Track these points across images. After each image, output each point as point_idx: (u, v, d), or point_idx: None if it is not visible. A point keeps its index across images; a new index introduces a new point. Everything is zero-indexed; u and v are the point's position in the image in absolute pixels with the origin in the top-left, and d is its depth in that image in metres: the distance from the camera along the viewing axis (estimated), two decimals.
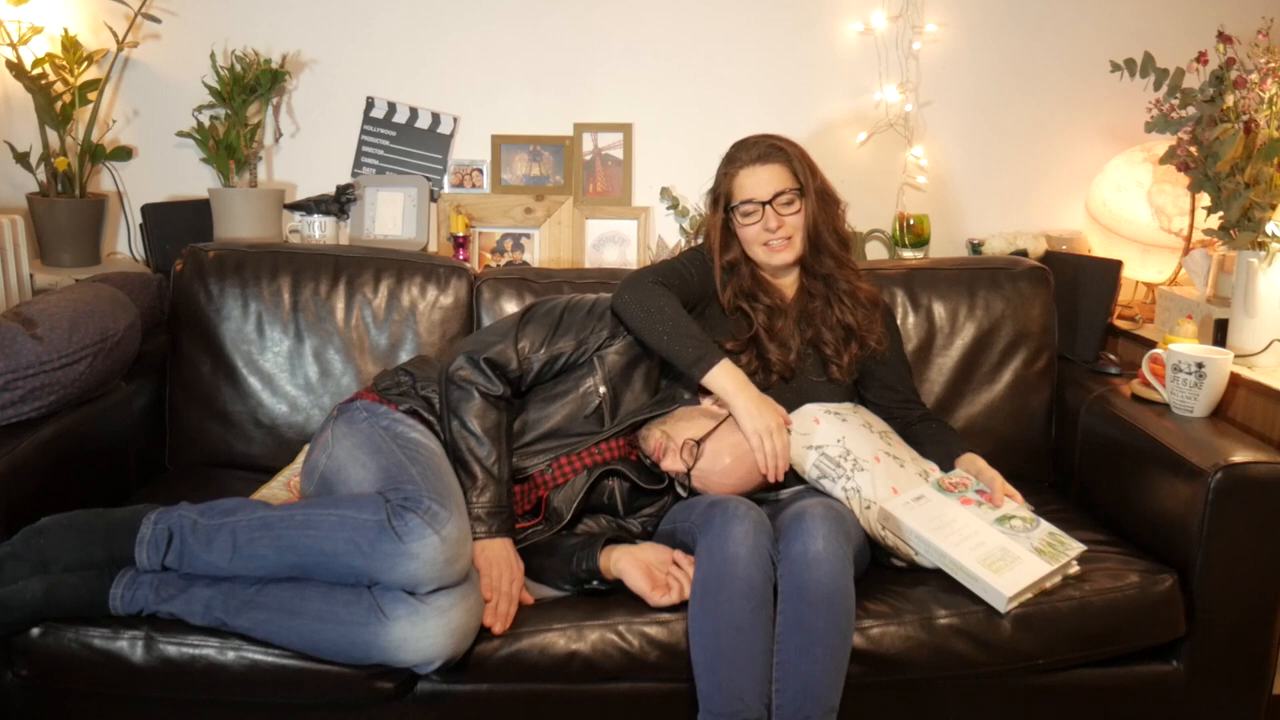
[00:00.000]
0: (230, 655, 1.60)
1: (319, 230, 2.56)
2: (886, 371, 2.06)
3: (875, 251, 2.73)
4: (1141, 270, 2.56)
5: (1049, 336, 2.32)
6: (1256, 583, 1.78)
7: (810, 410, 1.91)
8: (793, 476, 1.88)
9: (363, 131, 2.69)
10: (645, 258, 2.70)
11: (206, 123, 2.57)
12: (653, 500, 1.90)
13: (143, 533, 1.64)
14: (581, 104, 2.71)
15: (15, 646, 1.61)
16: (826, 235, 1.98)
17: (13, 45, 2.43)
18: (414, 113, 2.69)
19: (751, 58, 2.70)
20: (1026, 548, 1.74)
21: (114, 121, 2.64)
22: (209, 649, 1.60)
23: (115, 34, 2.53)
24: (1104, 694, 1.78)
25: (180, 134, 2.59)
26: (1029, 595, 1.71)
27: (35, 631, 1.60)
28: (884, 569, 1.84)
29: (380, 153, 2.70)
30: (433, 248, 2.68)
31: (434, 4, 2.65)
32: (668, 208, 2.73)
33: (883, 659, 1.67)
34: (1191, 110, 2.15)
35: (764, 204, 1.93)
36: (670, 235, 2.72)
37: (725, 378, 1.82)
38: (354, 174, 2.70)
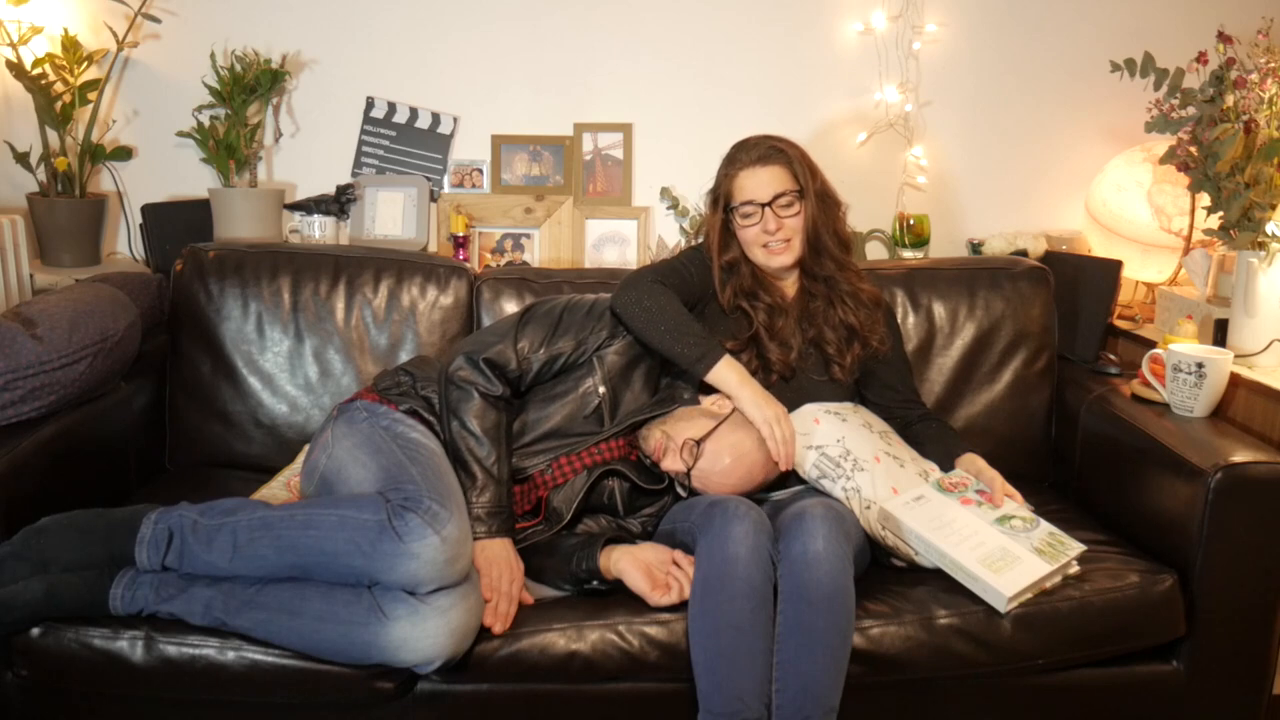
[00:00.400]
0: (230, 655, 1.60)
1: (319, 230, 2.56)
2: (887, 371, 2.06)
3: (875, 252, 2.73)
4: (1141, 270, 2.56)
5: (1049, 336, 2.32)
6: (1256, 583, 1.78)
7: (810, 410, 1.91)
8: (793, 476, 1.88)
9: (363, 131, 2.69)
10: (645, 258, 2.69)
11: (206, 123, 2.57)
12: (653, 500, 1.90)
13: (143, 533, 1.64)
14: (581, 104, 2.71)
15: (15, 646, 1.61)
16: (826, 238, 1.98)
17: (13, 45, 2.43)
18: (414, 113, 2.69)
19: (751, 58, 2.70)
20: (1026, 548, 1.74)
21: (114, 121, 2.64)
22: (209, 649, 1.60)
23: (115, 34, 2.53)
24: (1104, 694, 1.78)
25: (180, 134, 2.59)
26: (1029, 595, 1.71)
27: (35, 631, 1.60)
28: (884, 569, 1.84)
29: (380, 153, 2.70)
30: (433, 248, 2.68)
31: (434, 4, 2.65)
32: (668, 208, 2.73)
33: (883, 659, 1.67)
34: (1191, 110, 2.15)
35: (763, 206, 1.93)
36: (670, 235, 2.72)
37: (729, 372, 1.82)
38: (354, 174, 2.70)
